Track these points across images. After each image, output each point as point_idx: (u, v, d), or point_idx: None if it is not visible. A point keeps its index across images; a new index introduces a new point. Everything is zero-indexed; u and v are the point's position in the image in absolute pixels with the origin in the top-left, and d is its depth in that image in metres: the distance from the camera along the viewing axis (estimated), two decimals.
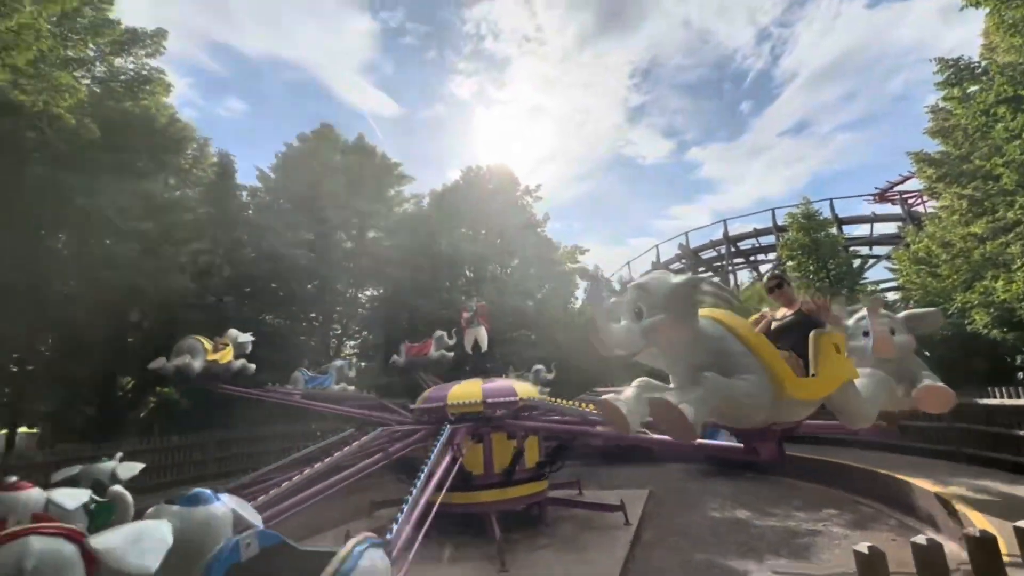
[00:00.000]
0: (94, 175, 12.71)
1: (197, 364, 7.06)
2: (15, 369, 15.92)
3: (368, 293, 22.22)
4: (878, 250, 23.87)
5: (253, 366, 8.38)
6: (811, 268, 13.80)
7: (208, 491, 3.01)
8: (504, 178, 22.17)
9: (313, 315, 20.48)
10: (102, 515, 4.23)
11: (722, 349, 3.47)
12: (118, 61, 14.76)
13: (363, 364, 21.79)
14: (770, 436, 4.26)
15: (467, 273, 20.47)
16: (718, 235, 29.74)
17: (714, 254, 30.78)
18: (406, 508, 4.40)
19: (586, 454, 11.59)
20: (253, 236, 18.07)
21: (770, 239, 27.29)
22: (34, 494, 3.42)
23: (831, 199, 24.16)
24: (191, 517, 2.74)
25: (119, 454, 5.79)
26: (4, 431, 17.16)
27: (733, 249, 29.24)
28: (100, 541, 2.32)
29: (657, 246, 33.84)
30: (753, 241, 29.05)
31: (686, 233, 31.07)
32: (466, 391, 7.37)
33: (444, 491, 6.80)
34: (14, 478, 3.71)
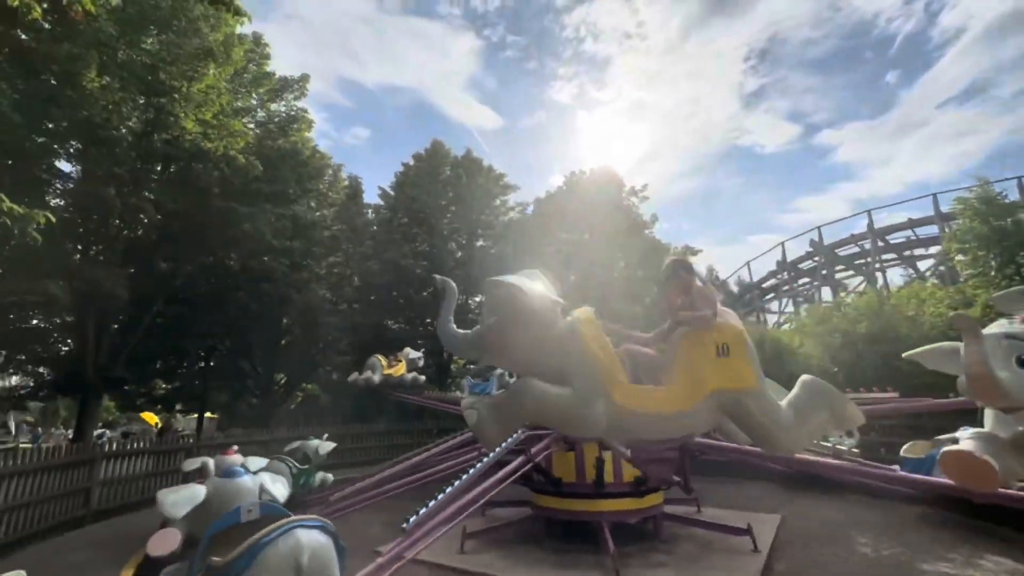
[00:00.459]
0: (256, 204, 15.20)
1: (376, 378, 8.64)
2: (202, 365, 19.53)
3: (477, 299, 23.26)
4: None
5: (423, 378, 9.62)
6: (992, 263, 11.33)
7: (240, 468, 4.13)
8: (607, 180, 21.77)
9: (428, 320, 22.02)
10: (303, 477, 6.60)
11: (565, 352, 3.10)
12: (273, 106, 17.50)
13: (471, 367, 22.88)
14: (654, 454, 3.65)
15: (570, 278, 20.41)
16: (860, 227, 25.88)
17: (856, 250, 26.82)
18: (435, 501, 4.49)
19: (706, 468, 10.71)
20: (377, 249, 20.02)
21: (931, 230, 23.02)
22: (236, 459, 4.90)
23: (1020, 177, 19.62)
24: (224, 486, 3.83)
25: (325, 435, 7.52)
26: (195, 416, 21.08)
27: (881, 244, 25.19)
28: (161, 493, 3.73)
29: (783, 243, 30.49)
30: (908, 233, 24.74)
31: (818, 227, 27.53)
32: None
33: (538, 495, 6.93)
34: (236, 447, 5.38)
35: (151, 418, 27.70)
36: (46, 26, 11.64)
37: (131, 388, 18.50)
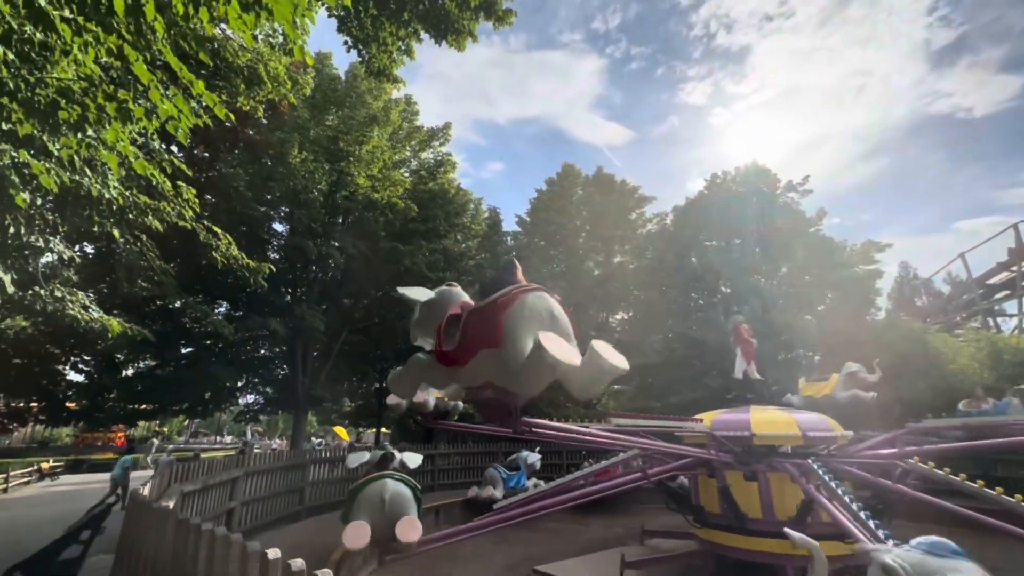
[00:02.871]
0: (413, 241, 17.26)
1: None
2: (377, 386, 22.43)
3: (619, 317, 22.69)
4: None
5: None
6: None
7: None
8: (757, 177, 19.61)
9: None
10: (511, 480, 9.97)
11: None
12: (423, 154, 19.87)
13: (616, 387, 22.18)
14: None
15: (723, 288, 18.66)
16: None
17: None
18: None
19: (923, 514, 8.55)
20: None
21: None
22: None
23: None
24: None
25: (537, 448, 10.55)
26: (373, 430, 24.16)
27: None
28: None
29: (1016, 225, 23.63)
30: None
31: None
32: (775, 419, 6.49)
33: (714, 529, 6.21)
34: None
35: (342, 432, 32.72)
36: (264, 121, 15.16)
37: (328, 405, 22.13)
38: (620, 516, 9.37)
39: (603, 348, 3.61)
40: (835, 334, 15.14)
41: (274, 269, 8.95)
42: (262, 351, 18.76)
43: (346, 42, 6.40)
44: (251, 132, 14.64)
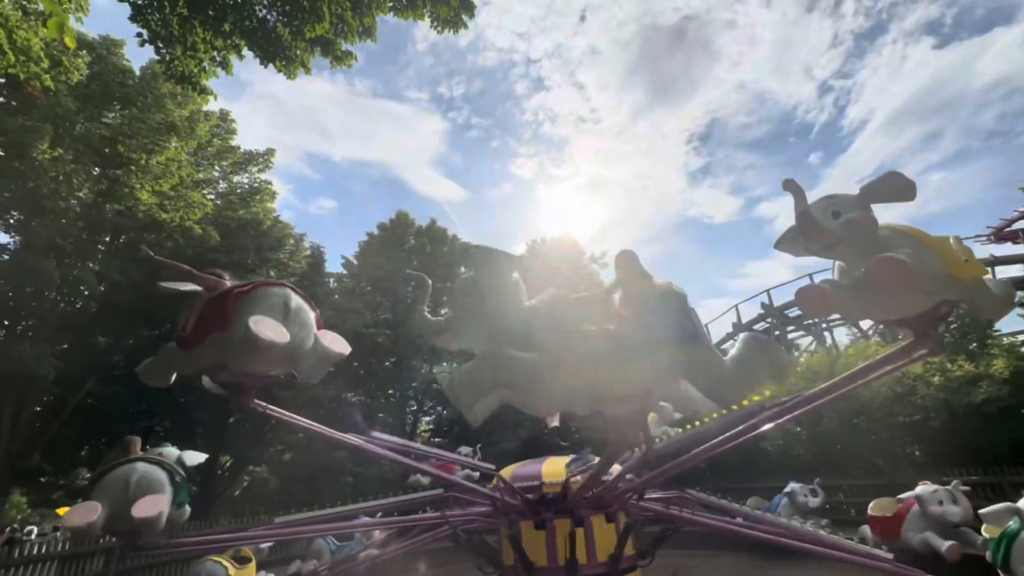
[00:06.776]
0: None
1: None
2: None
3: (443, 366, 22.68)
4: None
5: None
6: None
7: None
8: (568, 247, 22.57)
9: (391, 391, 21.15)
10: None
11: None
12: (236, 178, 17.56)
13: (436, 440, 21.79)
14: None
15: None
16: None
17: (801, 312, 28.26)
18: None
19: (679, 542, 10.20)
20: (338, 318, 19.47)
21: None
22: None
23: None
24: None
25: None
26: None
27: None
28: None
29: (736, 306, 31.82)
30: None
31: (767, 291, 29.06)
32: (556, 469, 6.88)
33: None
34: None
35: None
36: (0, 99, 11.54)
37: (48, 479, 16.42)
38: None
39: (327, 337, 3.85)
40: None
41: None
42: None
43: (140, 35, 5.40)
44: None
